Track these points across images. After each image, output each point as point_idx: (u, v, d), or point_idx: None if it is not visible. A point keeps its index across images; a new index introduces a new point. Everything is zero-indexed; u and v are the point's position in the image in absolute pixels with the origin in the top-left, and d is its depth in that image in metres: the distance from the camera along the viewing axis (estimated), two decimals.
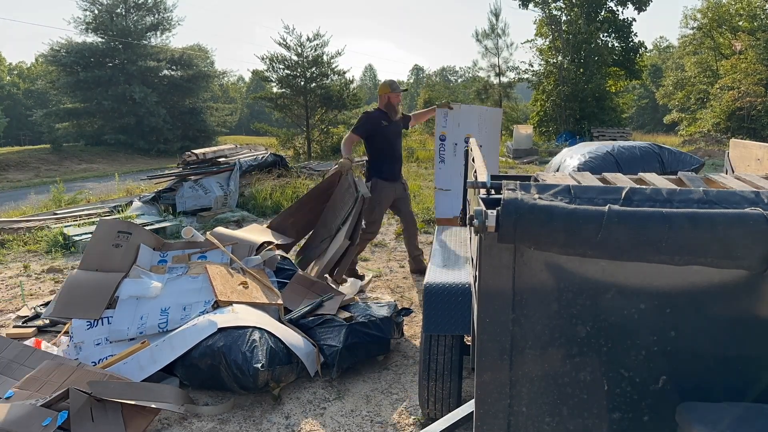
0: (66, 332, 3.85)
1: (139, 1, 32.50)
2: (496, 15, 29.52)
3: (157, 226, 7.91)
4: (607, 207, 1.23)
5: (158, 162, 24.90)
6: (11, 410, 2.61)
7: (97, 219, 8.40)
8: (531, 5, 28.55)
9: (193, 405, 3.14)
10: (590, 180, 1.90)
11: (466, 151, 3.58)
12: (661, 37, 78.48)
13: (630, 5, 28.08)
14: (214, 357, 3.16)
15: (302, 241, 5.28)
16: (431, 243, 3.60)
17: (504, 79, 30.83)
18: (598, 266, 1.32)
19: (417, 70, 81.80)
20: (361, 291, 5.10)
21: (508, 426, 1.44)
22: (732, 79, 25.79)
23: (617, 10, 28.35)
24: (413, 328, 4.27)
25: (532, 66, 30.15)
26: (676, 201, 1.38)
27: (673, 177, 2.01)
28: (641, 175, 2.01)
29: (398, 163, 5.32)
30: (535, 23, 29.71)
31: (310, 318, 3.77)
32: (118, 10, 31.55)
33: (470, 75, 41.51)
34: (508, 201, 1.27)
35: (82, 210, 9.61)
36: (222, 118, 37.49)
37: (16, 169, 22.13)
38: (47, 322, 4.41)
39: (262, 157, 11.09)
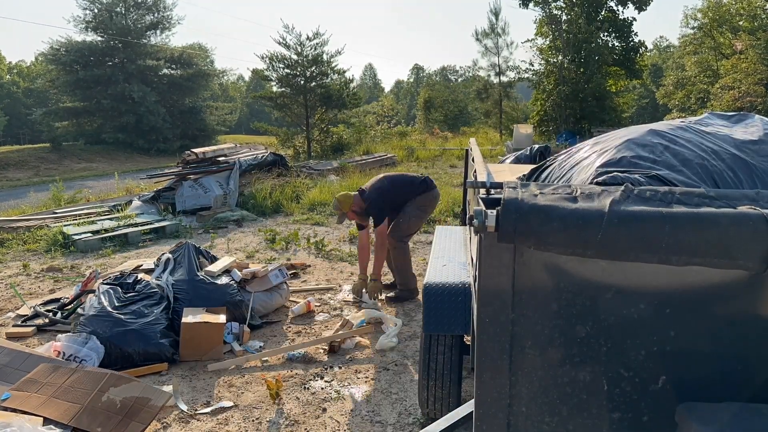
0: (65, 332, 3.85)
1: (139, 0, 32.47)
2: (496, 14, 29.46)
3: (156, 225, 7.91)
4: (607, 207, 1.22)
5: (158, 161, 24.89)
6: None
7: (97, 218, 8.41)
8: (531, 4, 28.44)
9: (192, 405, 3.13)
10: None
11: (467, 151, 3.58)
12: (661, 37, 78.43)
13: (630, 5, 27.99)
14: None
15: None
16: (431, 243, 3.59)
17: (504, 79, 30.79)
18: (598, 266, 1.32)
19: (417, 69, 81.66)
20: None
21: (508, 426, 1.43)
22: (732, 78, 25.71)
23: (617, 10, 28.25)
24: (413, 328, 4.26)
25: (533, 65, 30.03)
26: (676, 201, 1.38)
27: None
28: None
29: None
30: (535, 23, 29.60)
31: None
32: (118, 9, 31.55)
33: (470, 74, 41.40)
34: (509, 201, 1.26)
35: (82, 209, 9.60)
36: (222, 117, 37.48)
37: (16, 167, 22.12)
38: (47, 321, 4.41)
39: (262, 157, 11.09)
